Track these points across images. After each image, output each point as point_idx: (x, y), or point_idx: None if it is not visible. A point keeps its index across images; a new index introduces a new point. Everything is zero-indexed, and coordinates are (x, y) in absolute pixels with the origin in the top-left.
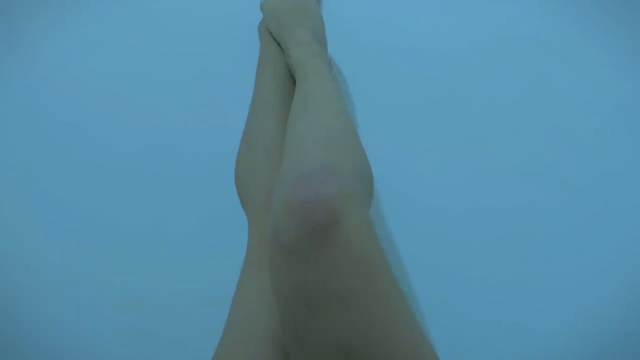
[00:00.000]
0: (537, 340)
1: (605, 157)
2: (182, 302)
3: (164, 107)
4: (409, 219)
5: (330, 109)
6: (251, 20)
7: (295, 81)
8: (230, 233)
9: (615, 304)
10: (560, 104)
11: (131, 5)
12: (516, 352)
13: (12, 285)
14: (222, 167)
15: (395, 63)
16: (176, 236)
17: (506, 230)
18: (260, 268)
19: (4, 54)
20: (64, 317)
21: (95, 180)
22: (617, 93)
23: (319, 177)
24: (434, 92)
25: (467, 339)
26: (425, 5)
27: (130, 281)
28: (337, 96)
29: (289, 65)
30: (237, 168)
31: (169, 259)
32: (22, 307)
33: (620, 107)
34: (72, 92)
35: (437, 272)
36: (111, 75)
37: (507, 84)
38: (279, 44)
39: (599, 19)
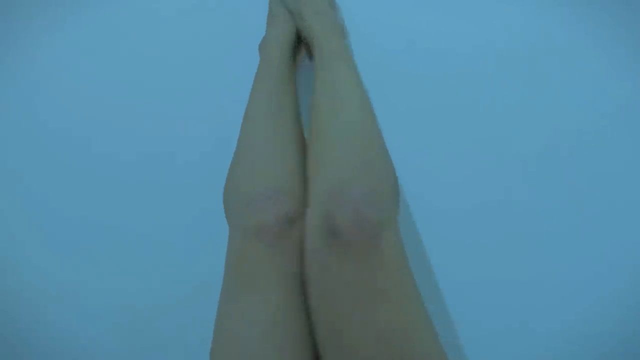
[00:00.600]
0: (538, 340)
1: (608, 158)
2: (180, 304)
3: (160, 112)
4: (410, 219)
5: (360, 111)
6: (251, 30)
7: (293, 96)
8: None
9: (616, 304)
10: (564, 105)
11: (126, 10)
12: (516, 353)
13: (10, 288)
14: (216, 172)
15: (401, 64)
16: (171, 239)
17: (508, 230)
18: (245, 285)
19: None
20: (62, 318)
21: (89, 184)
22: (621, 95)
23: (366, 202)
24: (439, 93)
25: (467, 339)
26: (431, 7)
27: (127, 284)
28: (362, 89)
29: (302, 28)
30: (228, 181)
31: (165, 262)
32: (21, 309)
33: (623, 109)
34: (67, 97)
35: (438, 271)
36: (107, 81)
37: (511, 86)
38: (289, 10)
39: (602, 20)
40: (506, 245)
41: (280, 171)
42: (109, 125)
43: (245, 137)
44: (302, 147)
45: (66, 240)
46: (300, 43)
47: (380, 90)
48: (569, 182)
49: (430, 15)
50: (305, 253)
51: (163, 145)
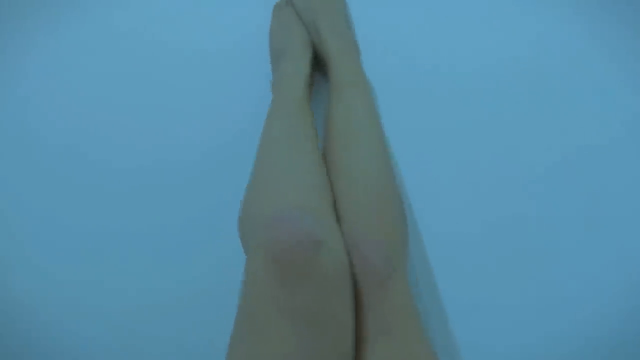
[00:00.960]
0: (538, 341)
1: (621, 171)
2: (181, 305)
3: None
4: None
5: (377, 152)
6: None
7: (312, 127)
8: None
9: (616, 309)
10: (575, 117)
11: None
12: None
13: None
14: (214, 173)
15: (412, 76)
16: (171, 239)
17: (516, 245)
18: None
19: None
20: (61, 319)
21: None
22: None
23: (377, 253)
24: (445, 102)
25: (467, 340)
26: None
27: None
28: (377, 120)
29: (317, 44)
30: (240, 212)
31: (165, 262)
32: (20, 309)
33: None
34: (62, 103)
35: (439, 276)
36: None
37: (523, 97)
38: (305, 26)
39: (619, 32)
40: (513, 261)
41: (301, 190)
42: (107, 128)
43: (262, 159)
44: (324, 169)
45: (66, 240)
46: (314, 71)
47: (391, 102)
48: (580, 194)
49: (438, 29)
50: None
51: (161, 149)
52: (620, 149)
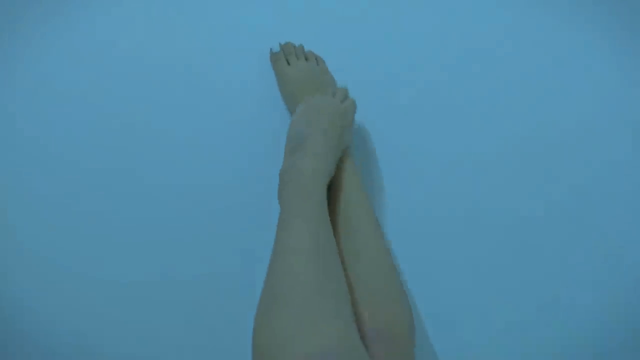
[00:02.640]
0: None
1: (606, 158)
2: (181, 305)
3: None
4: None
5: (382, 255)
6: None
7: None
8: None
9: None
10: (562, 106)
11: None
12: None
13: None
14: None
15: (397, 68)
16: (172, 239)
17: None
18: None
19: None
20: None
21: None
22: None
23: (405, 338)
24: (437, 94)
25: (466, 342)
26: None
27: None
28: (378, 225)
29: None
30: (257, 334)
31: (166, 262)
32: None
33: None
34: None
35: (435, 274)
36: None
37: (508, 88)
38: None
39: (616, 31)
40: (510, 261)
41: (342, 324)
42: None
43: (289, 272)
44: (348, 290)
45: (66, 240)
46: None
47: (376, 93)
48: (570, 184)
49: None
50: None
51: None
52: (619, 149)
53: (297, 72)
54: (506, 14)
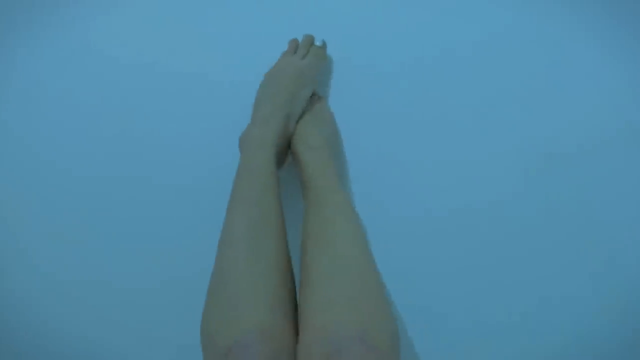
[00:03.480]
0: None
1: (612, 164)
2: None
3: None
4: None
5: (358, 258)
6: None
7: (278, 209)
8: None
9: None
10: (558, 108)
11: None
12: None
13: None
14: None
15: (392, 67)
16: (171, 239)
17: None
18: None
19: None
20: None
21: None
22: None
23: (357, 354)
24: (430, 95)
25: (465, 342)
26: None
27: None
28: (360, 232)
29: (298, 165)
30: (203, 318)
31: (167, 262)
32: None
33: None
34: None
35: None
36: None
37: (504, 89)
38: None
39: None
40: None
41: (262, 309)
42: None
43: (221, 266)
44: (289, 275)
45: (65, 240)
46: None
47: (372, 96)
48: (572, 193)
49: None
50: None
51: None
52: (615, 148)
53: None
54: (506, 14)
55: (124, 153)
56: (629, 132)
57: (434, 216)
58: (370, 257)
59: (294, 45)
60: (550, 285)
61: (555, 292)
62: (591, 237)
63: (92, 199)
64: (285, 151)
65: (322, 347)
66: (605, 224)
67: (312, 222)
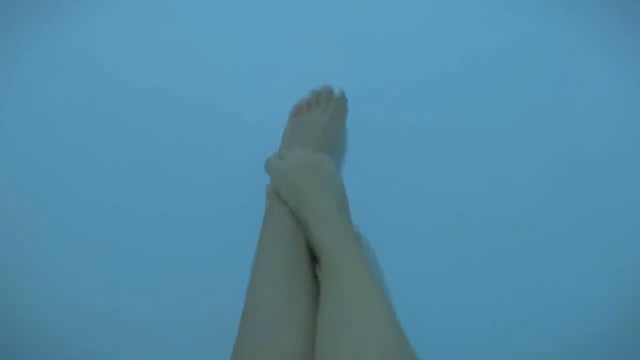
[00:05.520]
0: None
1: (613, 168)
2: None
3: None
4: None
5: (380, 329)
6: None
7: (313, 256)
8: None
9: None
10: (569, 116)
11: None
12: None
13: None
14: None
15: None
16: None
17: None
18: None
19: None
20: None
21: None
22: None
23: None
24: (440, 100)
25: (464, 343)
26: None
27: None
28: (383, 303)
29: (311, 242)
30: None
31: (167, 264)
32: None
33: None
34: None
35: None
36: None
37: (515, 96)
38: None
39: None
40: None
41: (293, 341)
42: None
43: (256, 299)
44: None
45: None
46: None
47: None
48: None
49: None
50: None
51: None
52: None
53: (289, 164)
54: (529, 25)
55: (124, 153)
56: None
57: (456, 224)
58: (397, 324)
59: (315, 98)
60: (567, 288)
61: (575, 293)
62: (611, 243)
63: (92, 206)
64: None
65: None
66: (623, 230)
67: (326, 300)
